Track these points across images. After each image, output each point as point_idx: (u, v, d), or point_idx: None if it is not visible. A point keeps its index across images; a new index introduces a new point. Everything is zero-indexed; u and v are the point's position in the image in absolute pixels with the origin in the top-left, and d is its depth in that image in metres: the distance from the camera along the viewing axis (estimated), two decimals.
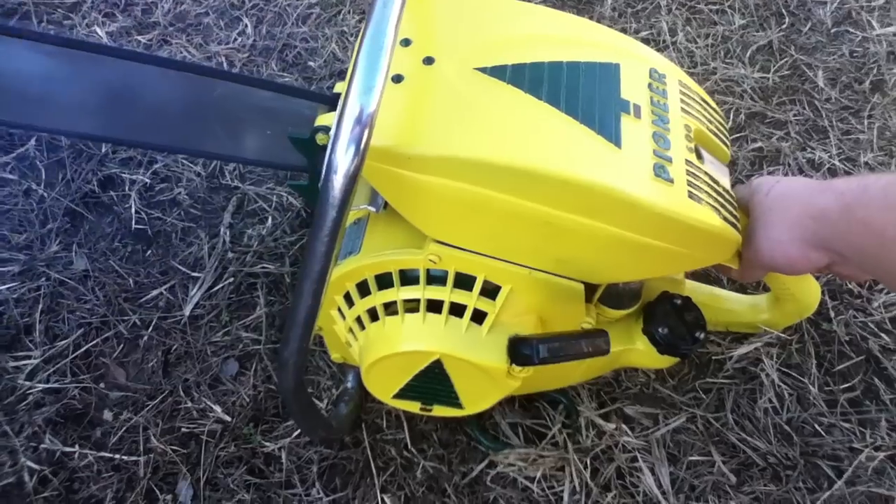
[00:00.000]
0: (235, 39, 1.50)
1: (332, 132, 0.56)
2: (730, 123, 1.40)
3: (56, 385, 1.07)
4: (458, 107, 0.70)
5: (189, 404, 1.06)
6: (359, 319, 0.84)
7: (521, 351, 0.77)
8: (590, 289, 0.87)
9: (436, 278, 0.79)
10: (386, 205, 0.81)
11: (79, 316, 1.14)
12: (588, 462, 1.01)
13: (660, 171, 0.71)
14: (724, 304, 1.09)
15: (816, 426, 1.06)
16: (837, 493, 1.00)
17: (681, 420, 1.05)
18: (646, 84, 0.79)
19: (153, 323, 1.14)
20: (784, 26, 1.58)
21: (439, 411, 0.93)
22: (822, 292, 1.14)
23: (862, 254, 0.68)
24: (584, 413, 1.05)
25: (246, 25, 1.52)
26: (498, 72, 0.73)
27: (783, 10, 1.61)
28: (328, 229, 0.58)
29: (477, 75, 0.73)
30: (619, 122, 0.73)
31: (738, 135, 1.38)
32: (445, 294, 0.78)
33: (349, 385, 1.04)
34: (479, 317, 0.80)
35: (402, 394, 0.89)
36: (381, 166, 0.67)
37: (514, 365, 0.79)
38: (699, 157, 0.78)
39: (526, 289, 0.80)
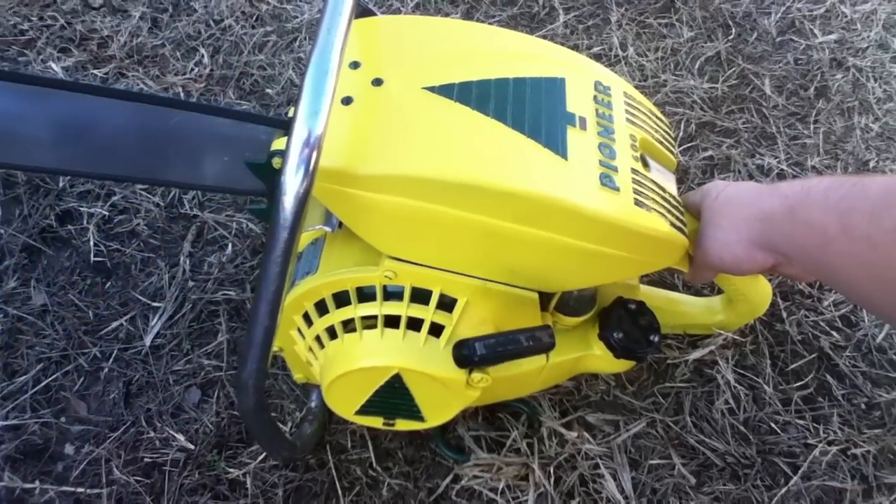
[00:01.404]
0: (192, 69, 1.50)
1: (282, 156, 0.57)
2: (681, 133, 1.42)
3: (15, 422, 1.06)
4: (406, 126, 0.72)
5: (151, 434, 1.06)
6: (318, 338, 0.85)
7: (460, 353, 0.78)
8: (545, 297, 0.89)
9: (393, 294, 0.80)
10: (341, 224, 0.82)
11: (38, 351, 1.13)
12: (551, 471, 1.02)
13: (606, 181, 0.72)
14: (679, 307, 1.11)
15: (772, 424, 1.07)
16: (794, 488, 1.02)
17: (641, 425, 1.07)
18: (591, 96, 0.81)
19: (114, 354, 1.13)
20: (731, 37, 1.62)
21: (402, 425, 0.93)
22: (775, 293, 1.16)
23: (805, 254, 0.70)
24: (547, 423, 1.06)
25: (203, 55, 1.53)
26: (445, 90, 0.74)
27: (729, 22, 1.64)
28: (281, 250, 0.59)
29: (425, 94, 0.74)
30: (565, 134, 0.74)
31: (688, 144, 1.41)
32: (402, 309, 0.80)
33: (313, 404, 1.04)
34: (436, 330, 0.81)
35: (365, 410, 0.90)
36: (332, 187, 0.69)
37: (460, 368, 0.80)
38: (645, 165, 0.80)
39: (481, 300, 0.81)
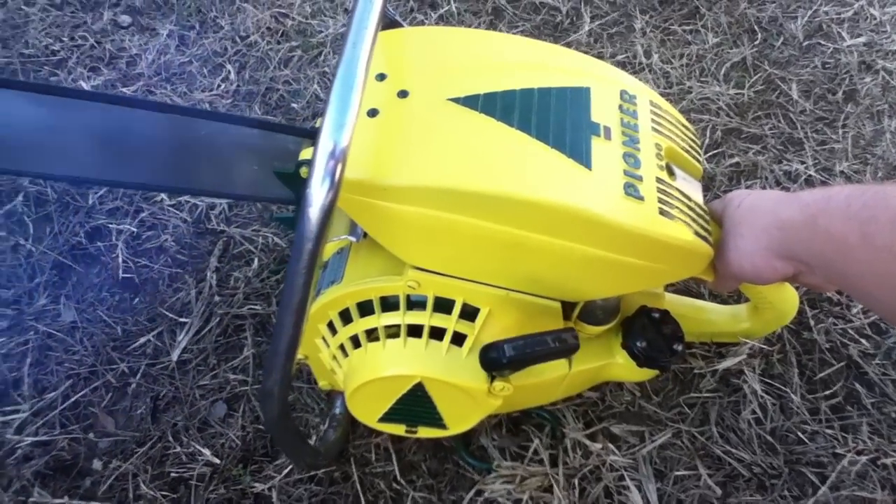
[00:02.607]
0: (219, 86, 1.52)
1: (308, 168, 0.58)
2: (707, 140, 1.41)
3: (45, 437, 1.08)
4: (430, 137, 0.72)
5: (178, 449, 1.07)
6: (342, 347, 0.85)
7: (489, 355, 0.78)
8: (568, 306, 0.88)
9: (416, 303, 0.81)
10: (366, 234, 0.82)
11: (67, 367, 1.15)
12: (576, 482, 1.01)
13: (630, 190, 0.72)
14: (704, 316, 1.10)
15: (800, 434, 1.06)
16: (822, 499, 1.00)
17: (666, 436, 1.06)
18: (616, 106, 0.80)
19: (141, 370, 1.15)
20: (757, 42, 1.60)
21: (424, 433, 0.94)
22: (802, 301, 1.15)
23: (826, 263, 0.69)
24: (571, 434, 1.05)
25: (229, 72, 1.54)
26: (470, 101, 0.75)
27: (755, 27, 1.63)
28: (305, 261, 0.59)
29: (450, 106, 0.74)
30: (589, 144, 0.74)
31: (714, 151, 1.40)
32: (425, 318, 0.80)
33: (337, 411, 1.05)
34: (459, 339, 0.81)
35: (387, 417, 0.90)
36: (357, 198, 0.69)
37: (487, 373, 0.80)
38: (671, 174, 0.80)
39: (504, 310, 0.81)
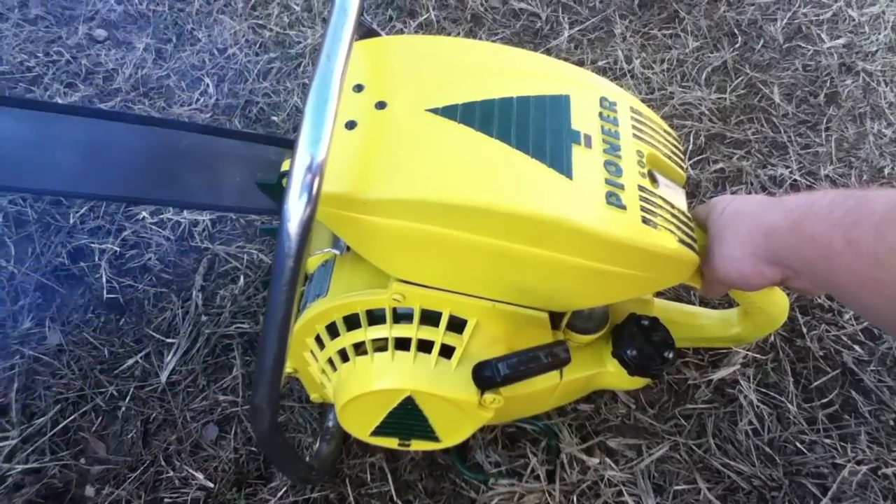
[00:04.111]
0: (198, 100, 1.50)
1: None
2: (690, 146, 1.42)
3: (35, 465, 1.06)
4: (410, 149, 0.71)
5: (171, 473, 1.05)
6: (330, 361, 0.85)
7: (482, 374, 0.77)
8: (557, 315, 0.88)
9: (402, 316, 0.80)
10: (349, 247, 0.81)
11: (55, 392, 1.13)
12: (574, 499, 1.01)
13: (612, 199, 0.71)
14: (694, 321, 1.10)
15: (798, 444, 1.06)
16: None
17: (664, 449, 1.06)
18: (596, 113, 0.80)
19: (130, 393, 1.13)
20: (737, 45, 1.61)
21: (418, 445, 0.93)
22: (793, 308, 1.15)
23: (811, 268, 0.69)
24: (567, 448, 1.05)
25: (207, 85, 1.52)
26: (449, 111, 0.74)
27: (735, 30, 1.64)
28: (287, 277, 0.59)
29: (428, 116, 0.73)
30: (570, 153, 0.73)
31: (698, 157, 1.40)
32: (412, 331, 0.79)
33: (330, 424, 1.04)
34: (447, 351, 0.81)
35: (379, 431, 0.89)
36: (337, 212, 0.68)
37: (480, 390, 0.80)
38: (653, 181, 0.79)
39: (491, 321, 0.81)
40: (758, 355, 1.13)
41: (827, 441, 1.06)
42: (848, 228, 0.62)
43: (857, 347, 1.15)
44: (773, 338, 1.15)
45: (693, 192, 1.35)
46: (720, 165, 1.39)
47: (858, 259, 0.61)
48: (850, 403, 1.10)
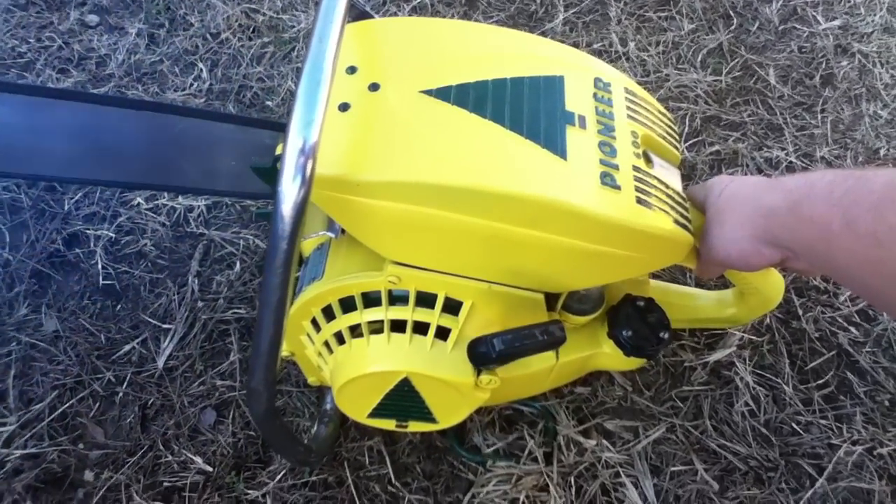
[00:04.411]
0: (191, 85, 1.49)
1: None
2: (686, 129, 1.41)
3: (34, 450, 1.06)
4: (403, 131, 0.71)
5: (169, 458, 1.06)
6: (326, 343, 0.85)
7: (478, 350, 0.78)
8: (552, 297, 0.88)
9: (398, 298, 0.81)
10: (344, 230, 0.81)
11: (52, 378, 1.13)
12: (572, 480, 1.01)
13: (606, 180, 0.71)
14: (690, 302, 1.10)
15: (794, 425, 1.07)
16: (820, 490, 1.01)
17: (660, 431, 1.06)
18: (590, 94, 0.80)
19: (128, 378, 1.13)
20: (732, 27, 1.60)
21: (415, 427, 0.94)
22: (789, 290, 1.16)
23: (810, 249, 0.69)
24: (564, 431, 1.05)
25: (201, 70, 1.52)
26: (443, 93, 0.74)
27: (730, 12, 1.63)
28: (281, 260, 0.59)
29: (422, 98, 0.73)
30: (564, 134, 0.74)
31: (694, 140, 1.40)
32: (408, 313, 0.80)
33: (327, 407, 1.04)
34: (443, 333, 0.81)
35: (376, 413, 0.90)
36: (331, 194, 0.68)
37: (476, 367, 0.80)
38: (648, 162, 0.79)
39: (487, 302, 0.81)
40: (754, 337, 1.13)
41: (822, 422, 1.07)
42: (847, 209, 0.62)
43: (852, 329, 1.16)
44: (768, 319, 1.15)
45: (689, 174, 1.35)
46: (716, 148, 1.38)
47: (857, 239, 0.61)
48: (846, 384, 1.11)
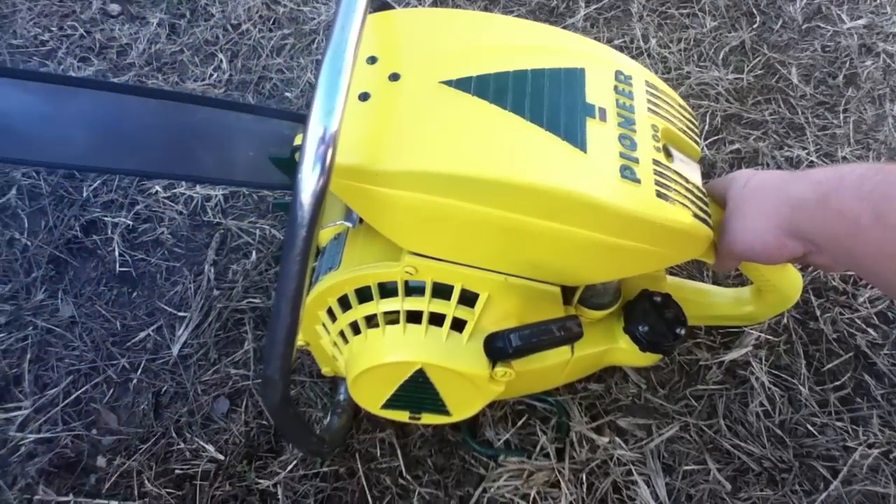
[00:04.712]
0: (211, 75, 1.50)
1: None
2: (706, 127, 1.40)
3: (48, 434, 1.07)
4: (422, 121, 0.71)
5: (182, 445, 1.06)
6: (342, 333, 0.85)
7: (494, 345, 0.77)
8: (568, 291, 0.88)
9: (414, 289, 0.80)
10: (362, 219, 0.81)
11: (67, 363, 1.13)
12: (583, 477, 1.01)
13: (626, 173, 0.71)
14: (707, 299, 1.09)
15: (809, 427, 1.06)
16: (834, 493, 1.00)
17: (674, 429, 1.05)
18: (611, 87, 0.79)
19: (142, 365, 1.13)
20: (755, 25, 1.59)
21: (428, 419, 0.94)
22: (807, 291, 1.15)
23: (836, 242, 0.68)
24: (577, 427, 1.05)
25: (221, 61, 1.52)
26: (463, 84, 0.73)
27: (753, 10, 1.62)
28: (299, 248, 0.59)
29: (442, 89, 0.73)
30: (584, 126, 0.73)
31: (714, 137, 1.39)
32: (424, 304, 0.80)
33: (341, 397, 1.04)
34: (459, 325, 0.81)
35: (390, 404, 0.90)
36: (350, 184, 0.68)
37: (491, 362, 0.80)
38: (668, 155, 0.79)
39: (503, 295, 0.81)
40: (770, 337, 1.12)
41: (838, 424, 1.06)
42: (877, 202, 0.61)
43: (870, 331, 1.14)
44: (785, 320, 1.14)
45: (709, 172, 1.34)
46: (736, 146, 1.37)
47: (886, 233, 0.61)
48: (863, 387, 1.10)
